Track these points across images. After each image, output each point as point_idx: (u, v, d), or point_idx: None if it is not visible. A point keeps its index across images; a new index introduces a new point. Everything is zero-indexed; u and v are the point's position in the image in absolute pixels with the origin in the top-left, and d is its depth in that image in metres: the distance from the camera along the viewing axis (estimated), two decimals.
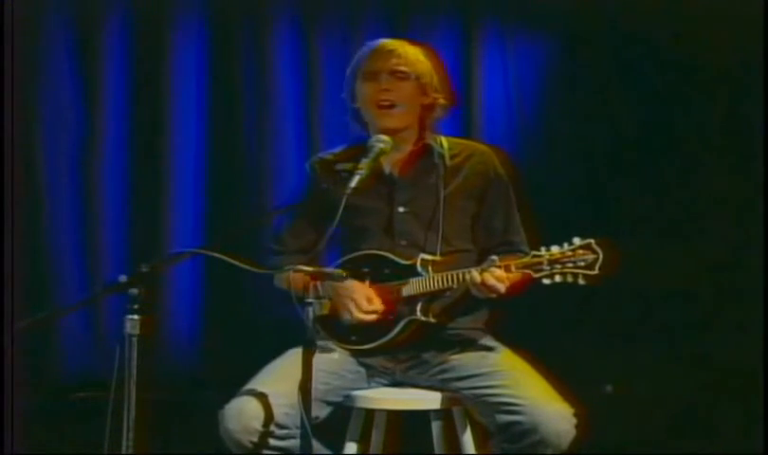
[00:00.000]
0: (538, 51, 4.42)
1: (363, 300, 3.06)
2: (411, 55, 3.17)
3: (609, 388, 4.29)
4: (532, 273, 2.85)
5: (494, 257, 2.95)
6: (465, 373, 3.06)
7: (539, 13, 4.35)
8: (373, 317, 3.07)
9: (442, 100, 3.19)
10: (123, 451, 2.57)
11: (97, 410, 2.68)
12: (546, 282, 2.84)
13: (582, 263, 2.79)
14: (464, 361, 3.10)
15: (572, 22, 4.31)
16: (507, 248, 3.16)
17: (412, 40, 3.26)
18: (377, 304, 3.07)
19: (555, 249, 2.83)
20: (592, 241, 2.80)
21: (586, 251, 2.80)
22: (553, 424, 2.87)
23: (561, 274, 2.81)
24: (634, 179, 4.30)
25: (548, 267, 2.83)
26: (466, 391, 3.04)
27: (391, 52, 3.16)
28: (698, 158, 4.29)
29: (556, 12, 4.31)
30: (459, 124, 4.20)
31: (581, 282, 2.80)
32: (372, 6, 4.39)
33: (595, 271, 2.78)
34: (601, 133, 4.33)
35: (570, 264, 2.80)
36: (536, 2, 4.34)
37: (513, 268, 2.90)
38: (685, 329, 4.20)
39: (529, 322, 3.90)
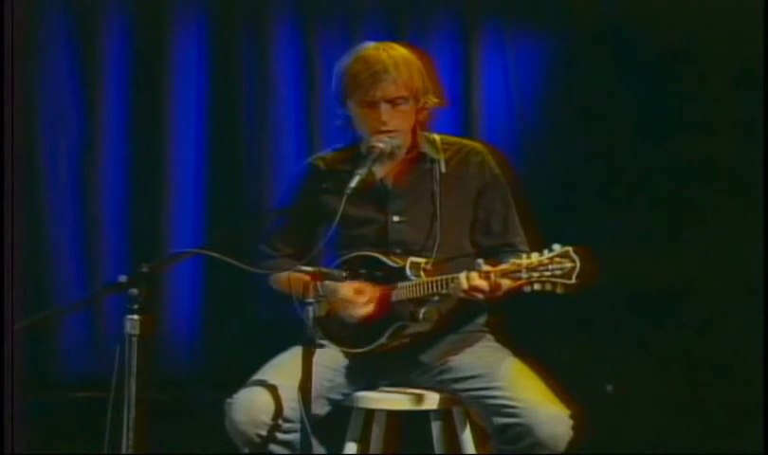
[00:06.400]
0: (538, 51, 4.41)
1: (352, 293, 3.03)
2: (405, 73, 3.04)
3: (609, 388, 4.29)
4: (511, 282, 2.81)
5: (480, 261, 2.89)
6: (462, 375, 3.05)
7: (539, 13, 4.34)
8: (370, 308, 3.04)
9: (433, 100, 3.13)
10: (123, 451, 2.58)
11: (97, 410, 2.68)
12: (526, 290, 2.78)
13: (559, 272, 2.72)
14: (462, 363, 3.09)
15: (572, 21, 4.30)
16: (508, 250, 3.13)
17: (397, 43, 3.16)
18: (369, 293, 3.04)
19: (534, 256, 2.77)
20: (570, 249, 2.73)
21: (563, 259, 2.73)
22: (549, 426, 2.87)
23: (540, 282, 2.75)
24: (635, 179, 4.30)
25: (526, 275, 2.77)
26: (463, 393, 3.04)
27: (386, 76, 3.02)
28: (699, 157, 4.28)
29: (556, 12, 4.31)
30: (459, 124, 4.20)
31: (559, 291, 2.73)
32: (372, 6, 4.38)
33: (572, 280, 2.71)
34: (602, 133, 4.33)
35: (547, 272, 2.73)
36: (536, 2, 4.34)
37: (493, 276, 2.84)
38: (685, 329, 4.20)
39: (528, 323, 3.90)
